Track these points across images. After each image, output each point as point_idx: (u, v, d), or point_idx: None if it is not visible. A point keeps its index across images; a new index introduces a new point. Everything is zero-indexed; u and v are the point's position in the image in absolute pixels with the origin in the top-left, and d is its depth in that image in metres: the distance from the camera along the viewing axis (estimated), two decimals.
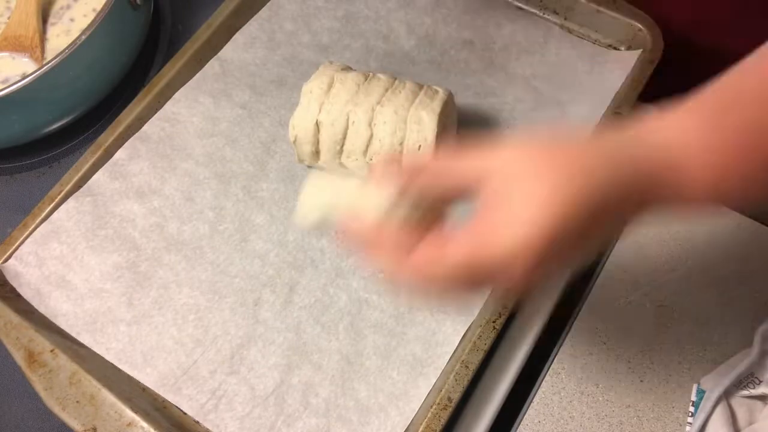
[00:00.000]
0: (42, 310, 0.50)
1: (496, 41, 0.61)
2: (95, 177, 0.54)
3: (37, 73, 0.52)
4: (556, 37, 0.61)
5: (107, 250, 0.52)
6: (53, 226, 0.52)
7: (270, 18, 0.63)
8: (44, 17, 0.62)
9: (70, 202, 0.53)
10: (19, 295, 0.51)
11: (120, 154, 0.55)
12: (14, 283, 0.51)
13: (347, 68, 0.53)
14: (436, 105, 0.49)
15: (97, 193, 0.54)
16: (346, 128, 0.50)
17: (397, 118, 0.49)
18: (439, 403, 0.44)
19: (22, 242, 0.52)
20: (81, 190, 0.54)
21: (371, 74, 0.52)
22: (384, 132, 0.49)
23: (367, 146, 0.50)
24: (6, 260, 0.51)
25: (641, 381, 0.47)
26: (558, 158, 0.30)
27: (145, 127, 0.57)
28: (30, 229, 0.52)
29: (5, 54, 0.61)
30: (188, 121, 0.57)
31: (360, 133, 0.50)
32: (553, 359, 0.48)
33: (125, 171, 0.55)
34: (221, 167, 0.56)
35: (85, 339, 0.49)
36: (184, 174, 0.55)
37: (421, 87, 0.51)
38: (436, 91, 0.51)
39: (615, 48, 0.60)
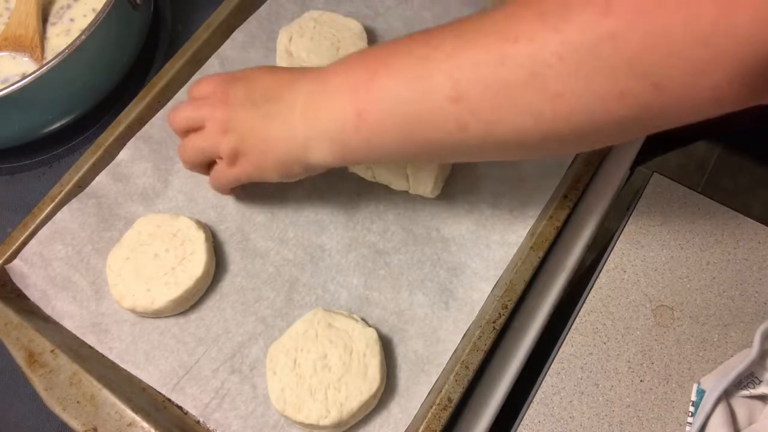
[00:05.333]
0: (48, 311, 0.50)
1: None
2: (98, 179, 0.54)
3: (37, 73, 0.51)
4: None
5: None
6: (57, 227, 0.52)
7: (269, 17, 0.63)
8: (44, 17, 0.62)
9: (74, 204, 0.53)
10: (19, 296, 0.50)
11: (123, 155, 0.55)
12: (20, 285, 0.51)
13: None
14: None
15: (101, 195, 0.54)
16: None
17: None
18: (439, 404, 0.44)
19: (23, 243, 0.51)
20: (84, 191, 0.54)
21: None
22: None
23: None
24: (7, 260, 0.51)
25: (641, 381, 0.47)
26: None
27: (147, 128, 0.56)
28: (30, 229, 0.52)
29: (5, 54, 0.61)
30: None
31: None
32: (553, 359, 0.48)
33: (128, 172, 0.55)
34: None
35: (90, 340, 0.49)
36: (187, 176, 0.55)
37: None
38: None
39: None
